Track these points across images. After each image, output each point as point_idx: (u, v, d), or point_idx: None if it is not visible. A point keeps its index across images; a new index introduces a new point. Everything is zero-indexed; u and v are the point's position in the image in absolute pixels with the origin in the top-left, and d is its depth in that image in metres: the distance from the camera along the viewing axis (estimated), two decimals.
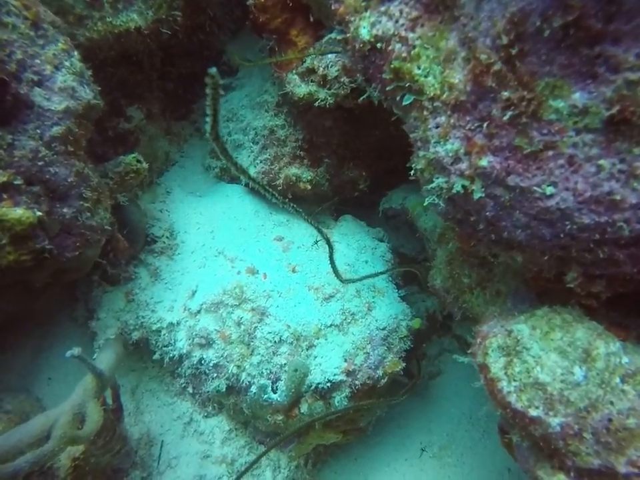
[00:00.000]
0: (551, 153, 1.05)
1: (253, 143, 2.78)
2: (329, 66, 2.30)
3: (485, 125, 1.11)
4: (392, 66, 1.26)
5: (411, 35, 1.21)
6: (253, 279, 2.45)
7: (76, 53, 1.81)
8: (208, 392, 2.44)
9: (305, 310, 2.38)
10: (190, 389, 2.55)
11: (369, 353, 2.34)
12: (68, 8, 1.89)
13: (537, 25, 0.95)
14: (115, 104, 2.45)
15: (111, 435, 1.98)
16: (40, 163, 1.68)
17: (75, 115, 1.78)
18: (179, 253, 2.61)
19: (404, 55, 1.23)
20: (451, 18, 1.14)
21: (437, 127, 1.23)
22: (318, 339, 2.31)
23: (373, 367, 2.34)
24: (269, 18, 2.36)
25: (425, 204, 1.33)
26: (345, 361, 2.30)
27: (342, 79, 2.28)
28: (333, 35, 1.41)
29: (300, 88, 2.43)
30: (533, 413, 1.25)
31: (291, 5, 2.29)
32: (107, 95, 2.08)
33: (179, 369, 2.49)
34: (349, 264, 2.69)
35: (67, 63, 1.76)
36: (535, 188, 1.09)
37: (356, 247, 2.90)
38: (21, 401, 2.26)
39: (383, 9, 1.25)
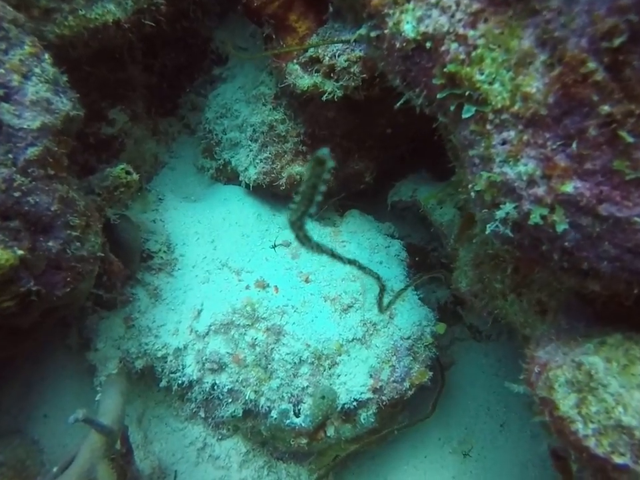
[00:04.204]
0: None
1: (251, 140, 2.52)
2: (337, 55, 2.04)
3: (574, 143, 0.91)
4: (445, 70, 1.04)
5: (471, 33, 0.99)
6: (264, 293, 2.24)
7: (47, 55, 1.52)
8: (222, 417, 2.27)
9: (324, 324, 2.20)
10: (202, 413, 2.38)
11: (394, 366, 2.19)
12: (31, 0, 1.58)
13: None
14: (94, 107, 2.15)
15: None
16: (16, 194, 1.42)
17: (53, 132, 1.51)
18: (179, 269, 2.38)
19: (462, 57, 1.01)
20: (526, 12, 0.92)
21: (503, 144, 1.03)
22: (340, 355, 2.15)
23: (399, 379, 2.19)
24: (265, 2, 2.08)
25: (486, 232, 1.14)
26: (371, 377, 2.14)
27: (352, 69, 2.03)
28: (362, 31, 1.17)
29: (303, 80, 2.18)
30: (618, 460, 1.11)
31: None
32: (84, 97, 1.79)
33: (189, 394, 2.31)
34: None
35: (37, 70, 1.47)
36: (636, 219, 0.91)
37: (367, 245, 2.71)
38: (15, 448, 2.04)
39: (432, 0, 1.02)
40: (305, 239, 0.86)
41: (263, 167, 2.51)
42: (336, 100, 2.15)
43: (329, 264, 2.48)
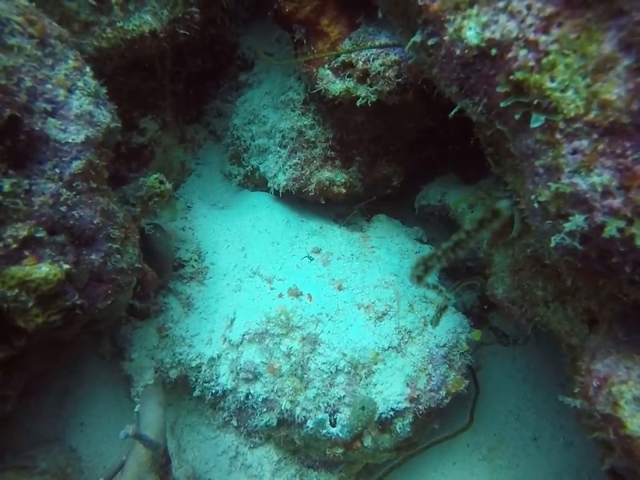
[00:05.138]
0: None
1: (280, 146, 2.50)
2: (371, 59, 2.01)
3: None
4: (512, 78, 1.01)
5: (543, 39, 0.95)
6: (298, 302, 2.22)
7: (88, 69, 1.52)
8: (256, 426, 2.25)
9: (359, 333, 2.17)
10: (234, 422, 2.36)
11: (430, 374, 2.15)
12: (72, 15, 1.57)
13: None
14: (126, 116, 2.14)
15: None
16: (62, 208, 1.41)
17: (95, 145, 1.50)
18: (210, 277, 2.37)
19: (531, 64, 0.98)
20: (609, 13, 0.88)
21: (574, 154, 0.99)
22: (376, 364, 2.11)
23: (436, 388, 2.16)
24: (297, 7, 2.05)
25: (551, 245, 1.10)
26: (407, 385, 2.11)
27: (387, 74, 2.00)
28: (416, 39, 1.14)
29: (335, 85, 2.15)
30: None
31: None
32: (117, 107, 1.79)
33: (222, 403, 2.29)
34: (394, 273, 2.47)
35: (80, 83, 1.46)
36: None
37: (397, 251, 2.67)
38: (55, 455, 2.04)
39: (501, 4, 0.99)
40: (422, 282, 0.82)
41: (293, 173, 2.49)
42: (369, 105, 2.13)
43: (360, 270, 2.45)
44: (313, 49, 2.17)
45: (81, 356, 2.38)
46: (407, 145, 2.75)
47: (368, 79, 2.05)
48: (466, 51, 1.07)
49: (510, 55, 1.00)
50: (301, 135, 2.46)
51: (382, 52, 2.00)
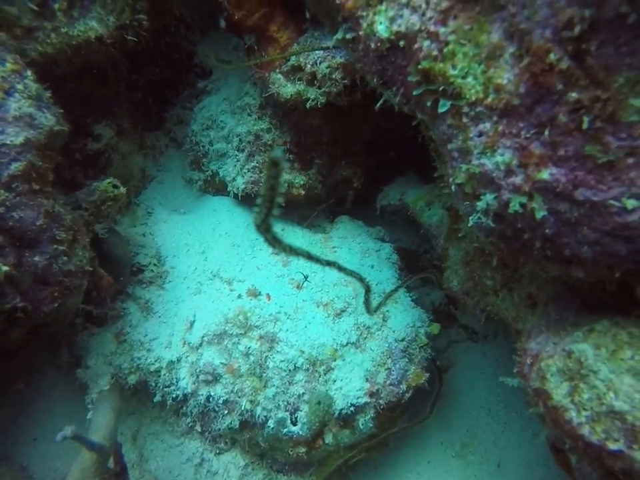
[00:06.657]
0: (631, 160, 0.88)
1: (237, 150, 2.54)
2: (318, 62, 2.07)
3: (546, 131, 0.93)
4: (420, 67, 1.07)
5: (442, 30, 1.01)
6: (256, 302, 2.24)
7: (29, 72, 1.54)
8: (219, 429, 2.24)
9: (317, 330, 2.19)
10: (198, 428, 2.35)
11: (390, 369, 2.18)
12: (12, 20, 1.60)
13: (620, 9, 0.77)
14: (80, 123, 2.16)
15: None
16: (0, 209, 1.42)
17: (37, 147, 1.52)
18: (170, 281, 2.38)
19: (434, 53, 1.04)
20: (492, 7, 0.94)
21: (480, 136, 1.05)
22: (335, 360, 2.14)
23: (396, 382, 2.18)
24: (246, 14, 2.11)
25: (469, 224, 1.15)
26: (367, 380, 2.13)
27: (334, 76, 2.07)
28: (338, 35, 1.20)
29: (286, 88, 2.21)
30: (612, 446, 1.11)
31: None
32: (69, 113, 1.81)
33: (184, 408, 2.28)
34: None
35: (20, 86, 1.49)
36: (612, 202, 0.92)
37: (358, 250, 2.72)
38: (1, 476, 1.97)
39: (403, 0, 1.05)
40: (274, 241, 0.85)
41: (251, 177, 2.53)
42: (320, 107, 2.19)
43: (320, 270, 2.48)
44: (264, 54, 2.23)
45: (37, 368, 2.34)
46: (366, 147, 2.82)
47: (316, 81, 2.12)
48: (379, 44, 1.12)
49: (416, 45, 1.06)
50: (258, 138, 2.51)
51: (328, 55, 2.07)
